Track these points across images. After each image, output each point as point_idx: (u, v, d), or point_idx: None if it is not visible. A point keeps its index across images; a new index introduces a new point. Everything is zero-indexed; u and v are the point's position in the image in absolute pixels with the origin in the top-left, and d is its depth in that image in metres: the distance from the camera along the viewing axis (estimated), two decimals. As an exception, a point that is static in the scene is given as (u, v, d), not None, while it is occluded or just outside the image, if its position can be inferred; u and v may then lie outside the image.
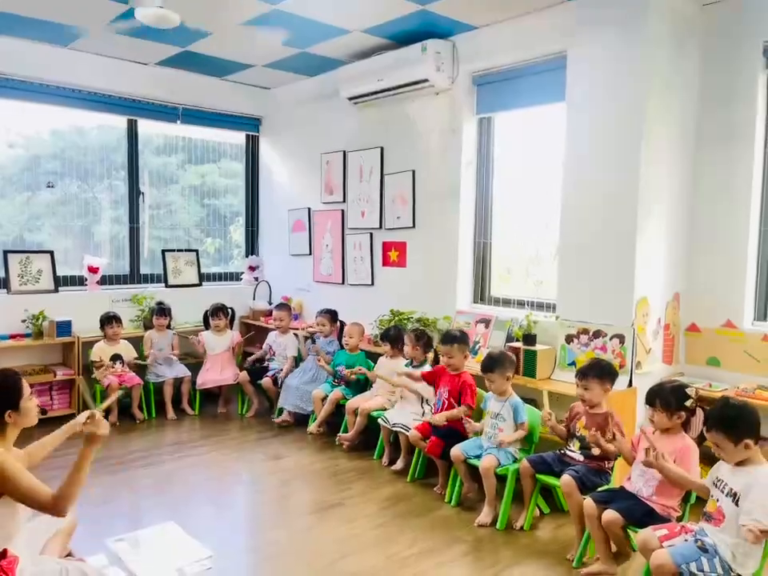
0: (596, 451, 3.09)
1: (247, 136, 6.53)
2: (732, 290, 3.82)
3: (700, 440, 2.86)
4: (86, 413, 2.53)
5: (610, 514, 2.68)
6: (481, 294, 4.75)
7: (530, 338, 4.02)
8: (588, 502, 2.82)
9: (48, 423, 4.86)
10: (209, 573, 2.85)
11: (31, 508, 2.30)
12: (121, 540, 3.10)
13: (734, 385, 3.65)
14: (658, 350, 3.89)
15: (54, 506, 2.27)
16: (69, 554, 2.77)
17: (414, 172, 4.92)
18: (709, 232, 3.91)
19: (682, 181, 3.89)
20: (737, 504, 2.33)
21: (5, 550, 2.17)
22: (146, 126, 5.89)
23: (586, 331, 3.87)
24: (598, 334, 3.82)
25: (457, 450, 3.51)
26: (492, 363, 3.56)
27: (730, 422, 2.39)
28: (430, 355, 4.24)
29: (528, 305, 4.40)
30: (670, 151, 3.79)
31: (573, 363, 3.87)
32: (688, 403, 2.78)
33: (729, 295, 3.84)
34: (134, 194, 5.83)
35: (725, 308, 3.86)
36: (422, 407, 4.07)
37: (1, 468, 2.27)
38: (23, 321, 4.96)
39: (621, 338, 3.71)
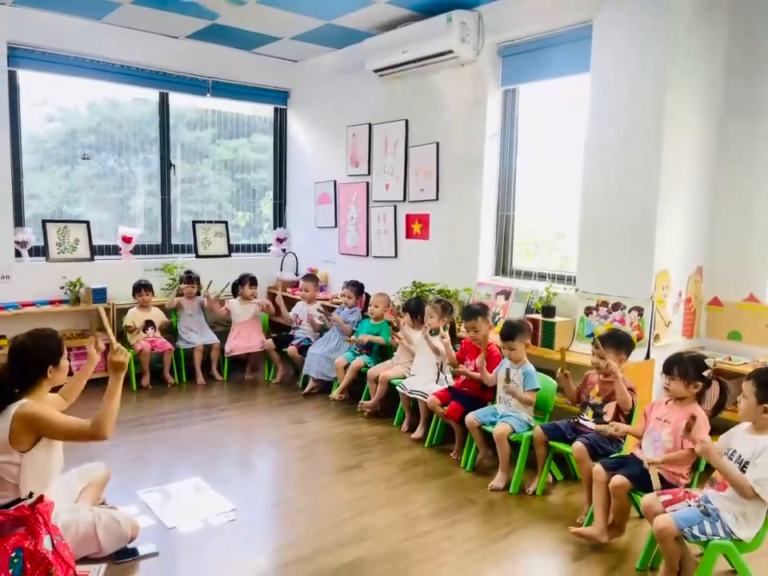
0: (607, 418, 3.14)
1: (275, 109, 6.61)
2: (755, 263, 3.79)
3: (713, 413, 2.87)
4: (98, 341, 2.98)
5: (618, 479, 2.74)
6: (502, 266, 4.78)
7: (549, 310, 4.06)
8: (597, 468, 2.88)
9: (86, 384, 5.12)
10: (232, 524, 3.01)
11: (75, 440, 2.52)
12: (150, 492, 3.29)
13: (755, 358, 3.64)
14: (678, 323, 3.89)
15: (94, 432, 2.48)
16: (102, 503, 2.98)
17: (438, 144, 4.94)
18: (733, 205, 3.87)
19: (705, 152, 3.85)
20: (743, 470, 2.37)
21: (41, 496, 2.35)
22: (179, 101, 6.02)
23: (605, 303, 3.89)
24: (617, 307, 3.83)
25: (471, 417, 3.60)
26: (513, 331, 3.62)
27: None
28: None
29: (549, 277, 4.42)
30: (694, 121, 3.75)
31: (591, 335, 3.89)
32: (705, 374, 2.80)
33: (752, 269, 3.81)
34: (166, 166, 5.98)
35: (748, 282, 3.83)
36: (438, 375, 4.16)
37: (35, 417, 2.46)
38: (61, 287, 5.19)
39: (639, 311, 3.72)
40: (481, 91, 4.63)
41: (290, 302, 5.95)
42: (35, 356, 2.60)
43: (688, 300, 3.93)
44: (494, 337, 4.14)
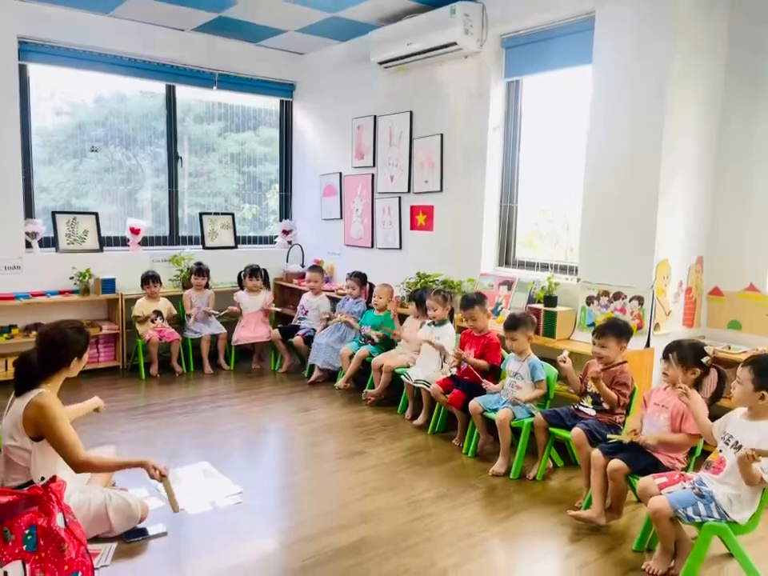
0: (607, 405, 3.20)
1: (281, 102, 6.67)
2: (755, 253, 3.82)
3: (711, 400, 2.91)
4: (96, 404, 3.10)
5: (615, 463, 2.79)
6: (506, 257, 4.83)
7: (550, 300, 4.11)
8: (596, 452, 2.93)
9: (96, 374, 5.24)
10: (238, 507, 3.09)
11: (60, 453, 2.57)
12: (159, 475, 3.37)
13: (754, 347, 3.68)
14: (678, 313, 3.93)
15: (78, 466, 2.59)
16: (113, 486, 3.06)
17: (441, 136, 4.98)
18: (734, 195, 3.90)
19: (707, 142, 3.88)
20: None
21: (54, 476, 2.43)
22: (186, 94, 6.07)
23: (606, 293, 3.94)
24: (617, 296, 3.88)
25: (475, 403, 3.66)
26: (516, 322, 3.67)
27: (765, 369, 2.44)
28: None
29: (551, 268, 4.46)
30: (695, 111, 3.77)
31: (592, 324, 3.94)
32: (704, 360, 2.84)
33: (753, 259, 3.84)
34: (173, 158, 6.05)
35: (748, 272, 3.86)
36: (442, 364, 4.22)
37: (47, 409, 2.53)
38: (71, 278, 5.28)
39: (640, 300, 3.76)
40: (484, 83, 4.67)
41: (296, 294, 6.04)
42: (64, 348, 2.68)
43: (688, 290, 3.97)
44: (496, 326, 4.20)
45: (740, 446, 2.42)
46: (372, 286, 5.34)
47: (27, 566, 2.17)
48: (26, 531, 2.22)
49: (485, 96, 4.67)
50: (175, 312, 5.50)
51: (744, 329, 3.87)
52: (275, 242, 6.73)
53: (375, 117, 5.60)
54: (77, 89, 5.66)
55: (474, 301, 3.98)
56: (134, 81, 5.75)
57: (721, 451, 2.52)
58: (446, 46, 4.61)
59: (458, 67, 4.82)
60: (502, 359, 3.91)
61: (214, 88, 6.09)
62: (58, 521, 2.29)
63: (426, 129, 5.13)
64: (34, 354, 2.67)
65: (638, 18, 3.69)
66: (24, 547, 2.19)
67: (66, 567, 2.23)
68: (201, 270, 5.63)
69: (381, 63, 5.18)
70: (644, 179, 3.71)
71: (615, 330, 3.32)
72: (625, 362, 3.29)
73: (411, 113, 5.24)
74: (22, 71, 5.12)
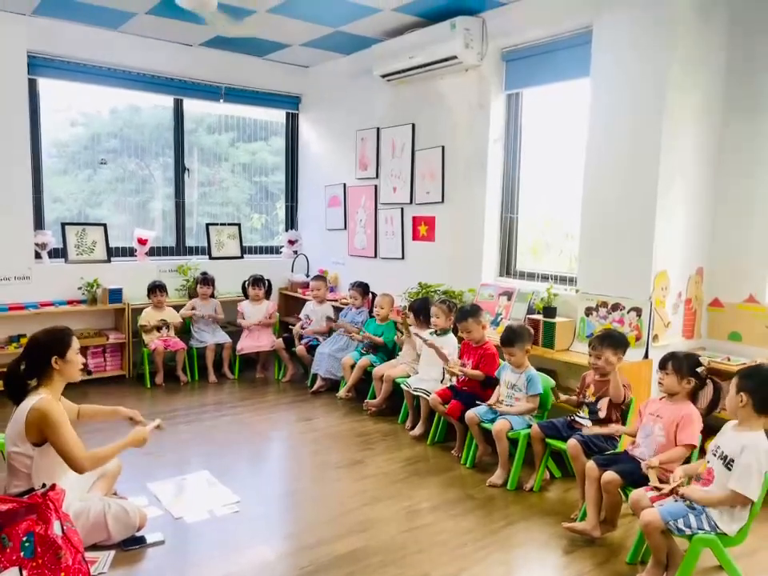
0: (602, 414, 3.21)
1: (287, 114, 6.75)
2: (755, 264, 3.81)
3: (707, 412, 2.92)
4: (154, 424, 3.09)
5: (609, 475, 2.80)
6: (506, 267, 4.85)
7: (549, 311, 4.12)
8: (590, 464, 2.94)
9: (103, 382, 5.30)
10: (236, 515, 3.12)
11: (63, 456, 2.64)
12: (160, 484, 3.41)
13: (753, 359, 3.66)
14: (677, 324, 3.93)
15: (83, 463, 2.66)
16: (114, 494, 3.12)
17: (443, 148, 5.02)
18: (734, 205, 3.90)
19: (706, 153, 3.88)
20: (727, 467, 2.42)
21: (53, 484, 2.48)
22: (197, 106, 6.17)
23: (605, 304, 3.95)
24: (616, 307, 3.89)
25: (471, 413, 3.68)
26: (513, 337, 3.68)
27: (750, 377, 2.47)
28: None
29: (552, 278, 4.48)
30: (694, 122, 3.78)
31: (591, 335, 3.94)
32: (699, 370, 2.85)
33: (753, 270, 3.83)
34: (180, 170, 6.14)
35: (748, 283, 3.85)
36: (443, 374, 4.24)
37: (47, 413, 2.60)
38: (79, 288, 5.36)
39: (638, 311, 3.77)
40: (485, 95, 4.71)
41: (301, 304, 6.09)
42: (40, 345, 2.78)
43: (688, 301, 3.97)
44: (496, 337, 4.21)
45: (725, 456, 2.43)
46: (375, 296, 5.37)
47: (24, 573, 2.22)
48: (24, 538, 2.27)
49: (485, 108, 4.71)
50: (181, 320, 5.56)
51: (744, 340, 3.86)
52: (281, 252, 6.79)
53: (378, 129, 5.66)
54: (90, 101, 5.75)
55: (467, 313, 4.02)
56: (142, 94, 5.85)
57: (709, 462, 2.53)
58: (447, 59, 4.65)
59: (459, 80, 4.87)
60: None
61: (221, 101, 6.18)
62: (56, 528, 2.34)
63: (427, 141, 5.18)
64: (18, 363, 2.78)
65: (635, 30, 3.72)
66: (21, 554, 2.25)
67: (63, 574, 2.28)
68: (206, 280, 5.71)
69: (383, 76, 5.25)
70: (642, 188, 3.72)
71: (611, 341, 3.33)
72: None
73: (413, 125, 5.30)
74: (32, 85, 5.23)
